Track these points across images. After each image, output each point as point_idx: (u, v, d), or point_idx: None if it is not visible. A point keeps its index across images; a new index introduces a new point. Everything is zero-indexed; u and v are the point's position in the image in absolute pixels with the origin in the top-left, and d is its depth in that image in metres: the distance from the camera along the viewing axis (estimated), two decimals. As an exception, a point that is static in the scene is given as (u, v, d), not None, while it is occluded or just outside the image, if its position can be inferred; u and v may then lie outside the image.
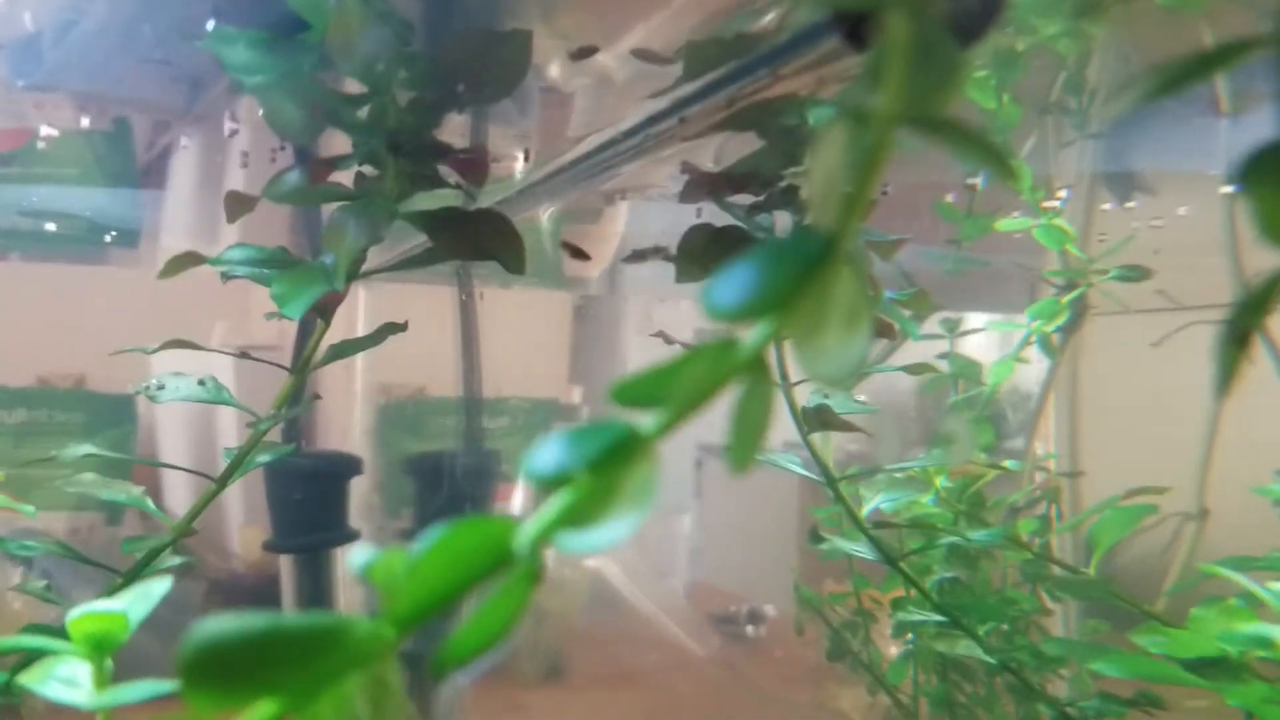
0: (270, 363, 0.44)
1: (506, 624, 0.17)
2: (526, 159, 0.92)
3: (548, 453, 0.18)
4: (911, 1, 0.19)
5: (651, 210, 1.01)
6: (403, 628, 0.16)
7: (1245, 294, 0.18)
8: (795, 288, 0.17)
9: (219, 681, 0.16)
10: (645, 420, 0.18)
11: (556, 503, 0.17)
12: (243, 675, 0.16)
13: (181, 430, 1.21)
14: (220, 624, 0.16)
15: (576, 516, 0.17)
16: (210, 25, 0.90)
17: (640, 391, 0.18)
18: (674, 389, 0.18)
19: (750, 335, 0.18)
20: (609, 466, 0.17)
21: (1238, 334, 0.18)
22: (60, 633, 0.28)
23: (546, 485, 0.18)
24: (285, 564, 0.69)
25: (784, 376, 0.40)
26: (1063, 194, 0.73)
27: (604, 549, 0.17)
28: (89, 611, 0.25)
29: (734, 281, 0.18)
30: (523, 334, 1.10)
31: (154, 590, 0.26)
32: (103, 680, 0.25)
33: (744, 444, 0.18)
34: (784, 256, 0.18)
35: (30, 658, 0.31)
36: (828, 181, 0.19)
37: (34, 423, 1.06)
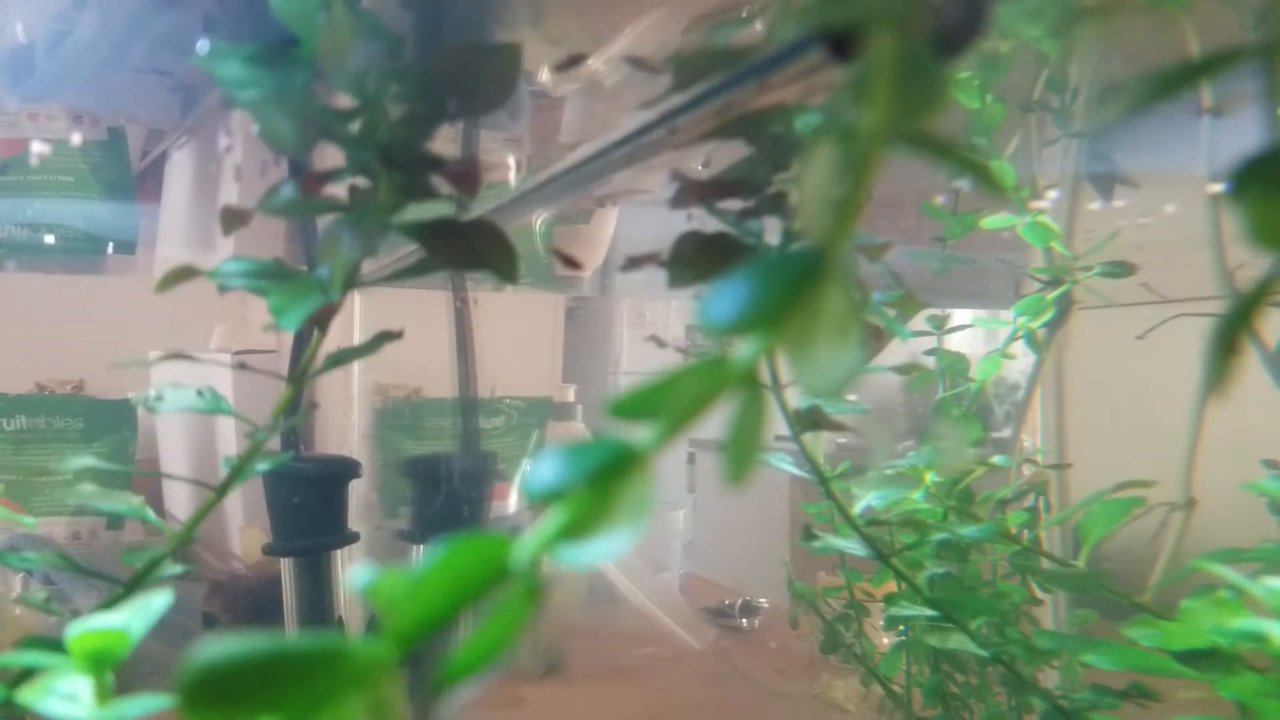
0: (268, 373, 0.44)
1: (507, 639, 0.17)
2: (519, 168, 0.92)
3: (545, 469, 0.18)
4: (895, 20, 0.19)
5: (642, 214, 1.01)
6: (404, 646, 0.16)
7: (1232, 303, 0.18)
8: (787, 303, 0.17)
9: (219, 704, 0.15)
10: (640, 435, 0.18)
11: (554, 518, 0.17)
12: (243, 698, 0.15)
13: (182, 433, 1.21)
14: (221, 646, 0.16)
15: (574, 531, 0.17)
16: (201, 36, 0.90)
17: (636, 406, 0.18)
18: (668, 404, 0.18)
19: (743, 349, 0.18)
20: (605, 482, 0.17)
21: (1225, 342, 0.18)
22: (60, 646, 0.28)
23: (544, 500, 0.18)
24: (286, 566, 0.68)
25: (775, 379, 0.40)
26: (1051, 194, 0.73)
27: (601, 562, 0.17)
28: (90, 628, 0.25)
29: (728, 297, 0.18)
30: (517, 335, 1.10)
31: (155, 604, 0.26)
32: (104, 695, 0.25)
33: (740, 457, 0.18)
34: (776, 272, 0.18)
35: (31, 669, 0.31)
36: (817, 197, 0.19)
37: (33, 429, 1.06)
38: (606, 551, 0.17)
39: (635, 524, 0.17)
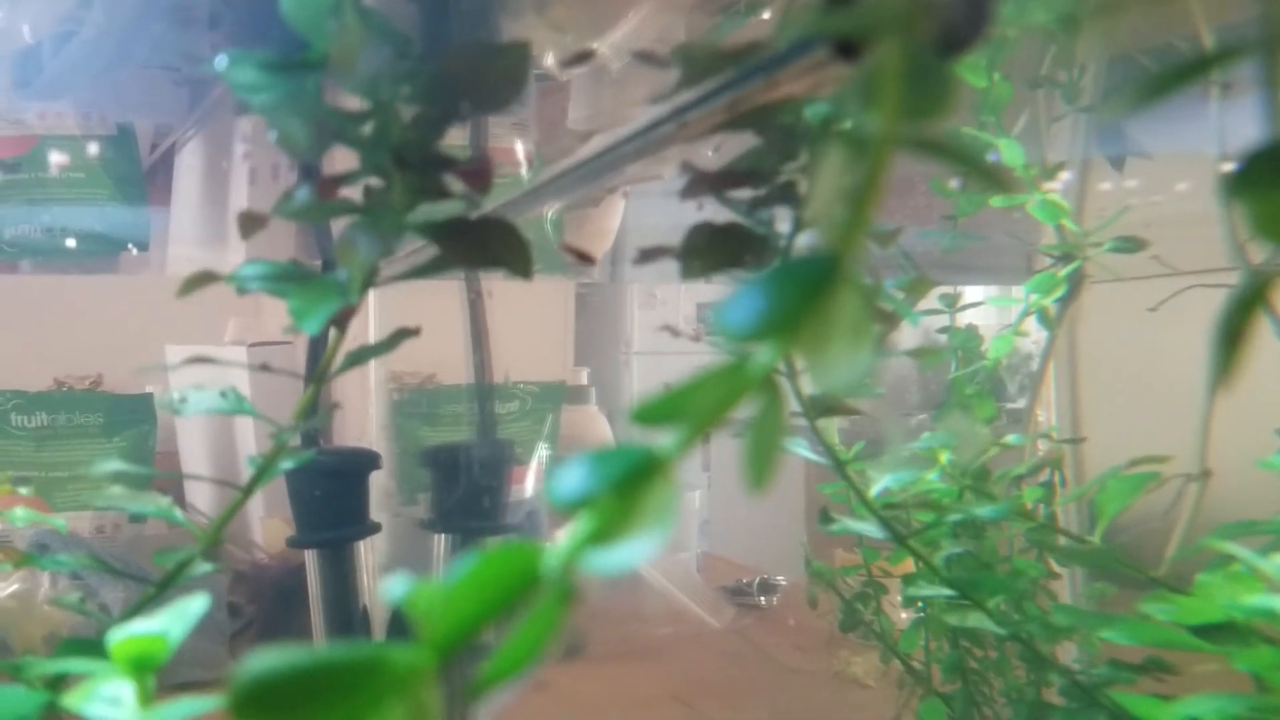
0: (287, 372, 0.45)
1: (541, 644, 0.17)
2: (527, 156, 0.92)
3: (571, 477, 0.18)
4: (901, 26, 0.19)
5: (651, 202, 1.02)
6: (441, 654, 0.17)
7: (1234, 296, 0.19)
8: (800, 311, 0.18)
9: (268, 714, 0.16)
10: (662, 441, 0.18)
11: (582, 525, 0.18)
12: (290, 708, 0.16)
13: (200, 424, 1.22)
14: (269, 659, 0.16)
15: (601, 538, 0.18)
16: (206, 31, 0.90)
17: (658, 413, 0.19)
18: (689, 410, 0.18)
19: (760, 355, 0.18)
20: (631, 488, 0.18)
21: (1230, 334, 0.19)
22: (96, 647, 0.28)
23: (571, 508, 0.18)
24: (309, 557, 0.69)
25: (790, 367, 0.41)
26: (1064, 176, 0.73)
27: (630, 567, 0.17)
28: (131, 634, 0.25)
29: (744, 305, 0.18)
30: (529, 320, 1.11)
31: (192, 608, 0.27)
32: (146, 698, 0.26)
33: (760, 462, 0.18)
34: (790, 281, 0.18)
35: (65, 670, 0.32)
36: (828, 203, 0.19)
37: (54, 426, 1.07)
38: (634, 556, 0.17)
39: (661, 529, 0.18)
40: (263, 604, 1.02)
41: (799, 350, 0.18)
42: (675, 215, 0.43)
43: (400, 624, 0.67)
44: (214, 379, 0.47)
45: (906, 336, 0.96)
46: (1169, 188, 0.75)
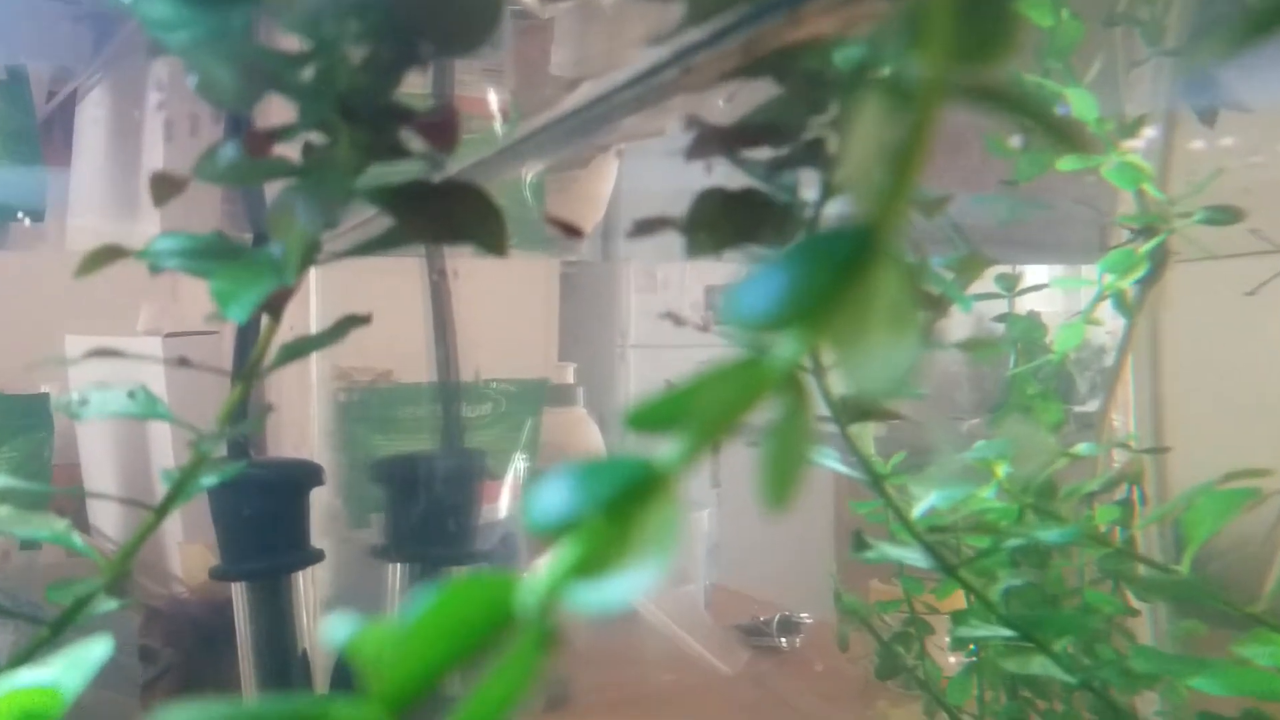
0: (212, 369, 0.45)
1: (515, 698, 0.17)
2: (502, 107, 0.92)
3: (553, 495, 0.18)
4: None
5: (651, 163, 1.01)
6: (394, 709, 0.17)
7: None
8: (831, 294, 0.18)
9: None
10: (663, 451, 0.18)
11: (565, 553, 0.18)
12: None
13: (106, 431, 1.22)
14: (184, 715, 0.16)
15: (589, 568, 0.18)
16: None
17: (657, 416, 0.19)
18: (695, 414, 0.18)
19: (782, 344, 0.18)
20: (624, 508, 0.18)
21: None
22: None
23: (553, 533, 0.18)
24: (237, 591, 0.69)
25: (817, 363, 0.41)
26: (1147, 132, 0.73)
27: (624, 604, 0.17)
28: (18, 687, 0.25)
29: (762, 287, 0.18)
30: (503, 306, 1.11)
31: (92, 655, 0.27)
32: (40, 760, 0.26)
33: (780, 476, 0.18)
34: (818, 258, 0.18)
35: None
36: (864, 164, 0.19)
37: (-67, 431, 1.07)
38: (628, 590, 0.17)
39: (660, 557, 0.17)
40: (181, 647, 1.02)
41: (829, 342, 0.18)
42: (679, 179, 0.42)
43: (346, 672, 0.67)
44: (122, 375, 0.46)
45: (957, 325, 0.96)
46: (1271, 147, 0.75)
